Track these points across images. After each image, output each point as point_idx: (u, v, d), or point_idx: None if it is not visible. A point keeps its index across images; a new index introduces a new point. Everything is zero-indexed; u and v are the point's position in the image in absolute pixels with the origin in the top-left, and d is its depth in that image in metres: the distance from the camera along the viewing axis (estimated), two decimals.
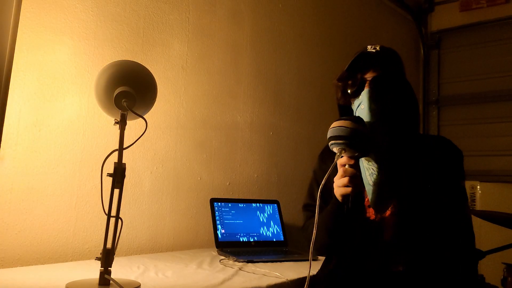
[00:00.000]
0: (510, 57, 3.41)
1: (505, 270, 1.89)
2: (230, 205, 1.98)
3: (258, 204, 2.08)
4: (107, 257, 1.16)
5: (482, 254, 1.64)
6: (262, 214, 2.05)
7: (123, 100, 1.22)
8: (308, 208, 1.40)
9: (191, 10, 2.04)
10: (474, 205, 2.96)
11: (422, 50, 3.81)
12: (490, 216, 1.83)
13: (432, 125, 3.75)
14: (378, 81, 1.19)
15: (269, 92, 2.41)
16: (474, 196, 2.97)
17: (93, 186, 1.65)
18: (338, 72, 1.27)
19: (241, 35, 2.28)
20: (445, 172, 1.22)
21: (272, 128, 2.41)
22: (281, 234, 2.05)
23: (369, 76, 1.21)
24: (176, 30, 1.98)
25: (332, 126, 1.13)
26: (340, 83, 1.26)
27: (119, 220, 1.17)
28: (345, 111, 1.28)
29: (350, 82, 1.23)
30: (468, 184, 2.92)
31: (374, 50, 1.23)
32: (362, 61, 1.22)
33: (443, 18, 3.77)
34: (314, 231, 1.07)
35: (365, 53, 1.22)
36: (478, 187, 2.98)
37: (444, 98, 3.74)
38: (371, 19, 3.27)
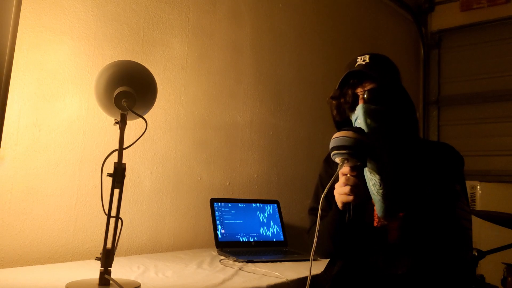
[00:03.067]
0: (510, 57, 3.41)
1: (505, 270, 1.89)
2: (230, 205, 1.98)
3: (258, 204, 2.08)
4: (107, 257, 1.16)
5: (482, 254, 1.64)
6: (262, 214, 2.05)
7: (123, 100, 1.22)
8: (314, 212, 1.40)
9: (191, 10, 2.04)
10: (474, 205, 2.96)
11: (422, 50, 3.81)
12: (490, 216, 1.83)
13: (432, 125, 3.75)
14: (370, 94, 1.20)
15: (269, 92, 2.41)
16: (474, 196, 2.97)
17: (93, 186, 1.65)
18: (340, 77, 1.26)
19: (241, 35, 2.28)
20: (441, 174, 1.22)
21: (272, 128, 2.41)
22: (281, 234, 2.05)
23: (360, 90, 1.21)
24: (176, 30, 1.98)
25: (334, 136, 1.13)
26: (334, 102, 1.27)
27: (119, 220, 1.17)
28: (342, 127, 1.28)
29: (343, 100, 1.24)
30: (468, 184, 2.92)
31: (363, 62, 1.22)
32: (352, 77, 1.22)
33: (443, 18, 3.77)
34: (315, 239, 1.08)
35: (354, 70, 1.21)
36: (478, 187, 2.98)
37: (444, 98, 3.73)
38: (371, 19, 3.27)
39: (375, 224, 1.25)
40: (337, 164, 1.13)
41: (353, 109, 1.22)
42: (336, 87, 1.25)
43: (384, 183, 1.17)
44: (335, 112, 1.28)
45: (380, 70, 1.22)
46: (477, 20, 3.56)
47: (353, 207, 1.13)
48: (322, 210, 1.21)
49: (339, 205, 1.17)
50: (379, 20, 3.36)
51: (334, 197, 1.19)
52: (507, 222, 1.74)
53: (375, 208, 1.23)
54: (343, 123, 1.28)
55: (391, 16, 3.53)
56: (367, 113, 1.18)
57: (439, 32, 3.79)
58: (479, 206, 2.95)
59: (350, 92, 1.22)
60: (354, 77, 1.22)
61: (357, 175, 1.13)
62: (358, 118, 1.19)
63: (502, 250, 1.72)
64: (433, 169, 1.23)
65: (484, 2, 3.51)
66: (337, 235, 1.23)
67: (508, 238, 1.78)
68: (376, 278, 1.22)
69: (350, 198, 1.12)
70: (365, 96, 1.20)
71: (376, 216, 1.24)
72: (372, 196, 1.20)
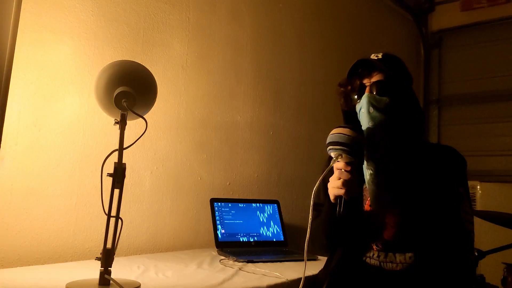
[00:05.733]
0: (510, 57, 3.41)
1: (505, 270, 1.90)
2: (230, 205, 1.98)
3: (258, 204, 2.07)
4: (107, 257, 1.16)
5: (482, 254, 1.64)
6: (262, 214, 2.05)
7: (123, 100, 1.21)
8: (315, 207, 1.41)
9: (191, 10, 2.04)
10: (474, 205, 2.95)
11: (422, 50, 3.81)
12: (490, 216, 1.83)
13: (432, 125, 3.75)
14: (376, 85, 1.22)
15: (269, 92, 2.41)
16: (474, 196, 2.97)
17: (93, 186, 1.65)
18: (340, 77, 1.29)
19: (241, 35, 2.28)
20: (445, 176, 1.23)
21: (272, 128, 2.41)
22: (281, 234, 2.05)
23: (367, 81, 1.24)
24: (176, 30, 1.98)
25: (331, 132, 1.18)
26: (342, 89, 1.29)
27: (119, 220, 1.17)
28: (349, 116, 1.31)
29: (349, 87, 1.26)
30: (468, 184, 2.92)
31: (376, 58, 1.26)
32: (361, 67, 1.25)
33: (444, 18, 3.77)
34: (308, 233, 1.11)
35: (364, 60, 1.24)
36: (478, 187, 2.98)
37: (445, 98, 3.73)
38: (371, 19, 3.27)
39: (366, 208, 1.26)
40: None
41: (359, 99, 1.24)
42: (346, 76, 1.27)
43: (378, 173, 1.19)
44: (342, 100, 1.30)
45: (390, 64, 1.24)
46: (477, 20, 3.56)
47: (345, 201, 1.16)
48: (321, 206, 1.24)
49: (331, 198, 1.20)
50: (379, 19, 3.36)
51: None
52: (507, 222, 1.74)
53: (367, 203, 1.24)
54: (350, 113, 1.30)
55: (391, 16, 3.53)
56: (370, 103, 1.21)
57: (439, 32, 3.79)
58: (479, 206, 2.95)
59: (357, 81, 1.25)
60: (364, 67, 1.24)
61: (350, 170, 1.17)
62: (362, 107, 1.22)
63: (502, 250, 1.72)
64: (435, 171, 1.23)
65: (484, 2, 3.51)
66: (330, 228, 1.25)
67: (508, 238, 1.78)
68: (373, 274, 1.23)
69: (342, 191, 1.16)
70: (372, 86, 1.22)
71: (368, 207, 1.25)
72: (368, 186, 1.23)
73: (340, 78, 1.29)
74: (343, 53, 2.84)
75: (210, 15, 2.13)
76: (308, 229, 1.12)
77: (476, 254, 1.65)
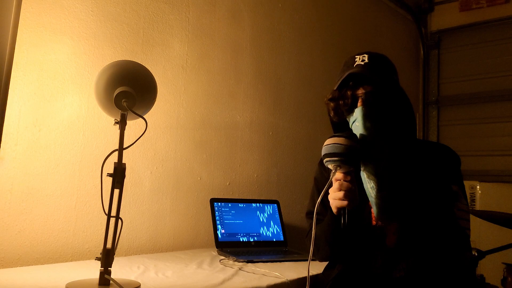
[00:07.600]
0: (510, 57, 3.41)
1: (505, 270, 1.90)
2: (230, 205, 1.98)
3: (258, 204, 2.08)
4: (107, 257, 1.16)
5: (482, 254, 1.64)
6: (262, 214, 2.05)
7: (123, 100, 1.21)
8: (311, 216, 1.39)
9: (191, 10, 2.04)
10: (474, 205, 2.96)
11: (422, 50, 3.81)
12: (490, 216, 1.83)
13: (432, 125, 3.75)
14: (369, 97, 1.17)
15: (269, 92, 2.41)
16: (474, 196, 2.97)
17: (93, 186, 1.65)
18: (332, 88, 1.24)
19: (241, 35, 2.28)
20: (438, 175, 1.22)
21: (272, 128, 2.41)
22: (281, 234, 2.05)
23: (360, 92, 1.18)
24: (176, 30, 1.98)
25: (325, 143, 1.14)
26: (332, 103, 1.24)
27: (119, 220, 1.17)
28: (339, 127, 1.27)
29: (341, 102, 1.21)
30: (468, 184, 2.92)
31: (362, 62, 1.20)
32: (350, 79, 1.19)
33: (443, 18, 3.77)
34: (312, 246, 1.09)
35: (354, 72, 1.18)
36: (478, 187, 2.98)
37: (444, 98, 3.74)
38: (371, 19, 3.27)
39: (373, 223, 1.24)
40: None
41: (351, 111, 1.20)
42: (335, 88, 1.22)
43: (381, 185, 1.16)
44: (332, 113, 1.25)
45: (380, 71, 1.19)
46: (477, 20, 3.56)
47: (348, 211, 1.13)
48: (319, 214, 1.22)
49: (334, 210, 1.17)
50: (379, 20, 3.36)
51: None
52: (507, 222, 1.73)
53: (372, 210, 1.23)
54: (340, 124, 1.27)
55: (391, 16, 3.53)
56: (366, 116, 1.16)
57: (438, 32, 3.79)
58: (478, 206, 2.95)
59: (349, 93, 1.19)
60: (353, 78, 1.19)
61: (350, 180, 1.13)
62: (357, 121, 1.18)
63: (502, 250, 1.72)
64: (429, 170, 1.22)
65: (483, 2, 3.51)
66: (333, 240, 1.23)
67: (508, 238, 1.78)
68: (375, 281, 1.22)
69: (345, 203, 1.13)
70: (365, 98, 1.18)
71: (374, 217, 1.23)
72: (370, 199, 1.20)
73: (338, 78, 1.26)
74: (343, 53, 2.84)
75: (210, 15, 2.13)
76: (311, 248, 1.09)
77: (476, 254, 1.64)
